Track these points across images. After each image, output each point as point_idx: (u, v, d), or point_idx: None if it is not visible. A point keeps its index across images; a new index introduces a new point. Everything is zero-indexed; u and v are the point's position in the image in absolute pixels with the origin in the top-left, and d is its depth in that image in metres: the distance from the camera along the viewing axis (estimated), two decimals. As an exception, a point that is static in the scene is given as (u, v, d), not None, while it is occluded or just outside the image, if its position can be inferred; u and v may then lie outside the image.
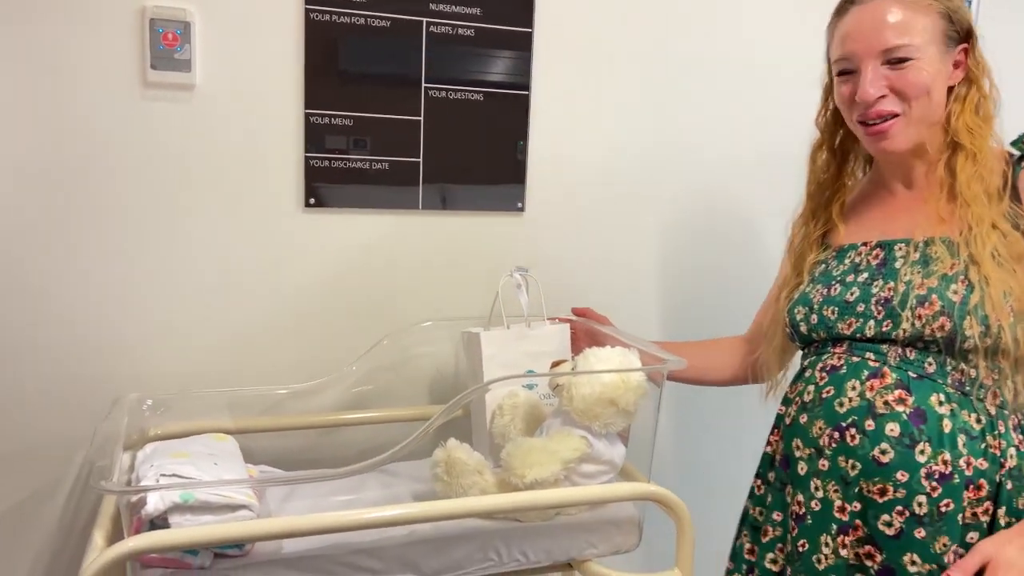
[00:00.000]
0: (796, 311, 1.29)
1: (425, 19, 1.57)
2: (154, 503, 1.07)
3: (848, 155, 1.36)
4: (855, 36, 1.20)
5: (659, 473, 1.38)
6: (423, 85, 1.60)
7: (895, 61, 1.18)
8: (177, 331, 1.50)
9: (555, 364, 1.35)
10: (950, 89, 1.21)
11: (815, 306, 1.27)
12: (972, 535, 1.14)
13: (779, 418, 1.34)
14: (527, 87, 1.67)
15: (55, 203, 1.40)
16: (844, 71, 1.24)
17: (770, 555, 1.32)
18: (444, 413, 1.20)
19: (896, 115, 1.19)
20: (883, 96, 1.19)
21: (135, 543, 1.03)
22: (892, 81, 1.18)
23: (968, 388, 1.15)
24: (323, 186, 1.56)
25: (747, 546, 1.36)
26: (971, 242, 1.14)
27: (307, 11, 1.49)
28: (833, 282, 1.27)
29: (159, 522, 1.09)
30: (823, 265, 1.31)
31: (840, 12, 1.25)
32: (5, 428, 1.42)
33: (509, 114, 1.67)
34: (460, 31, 1.61)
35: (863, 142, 1.27)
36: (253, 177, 1.51)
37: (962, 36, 1.20)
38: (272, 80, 1.50)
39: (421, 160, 1.62)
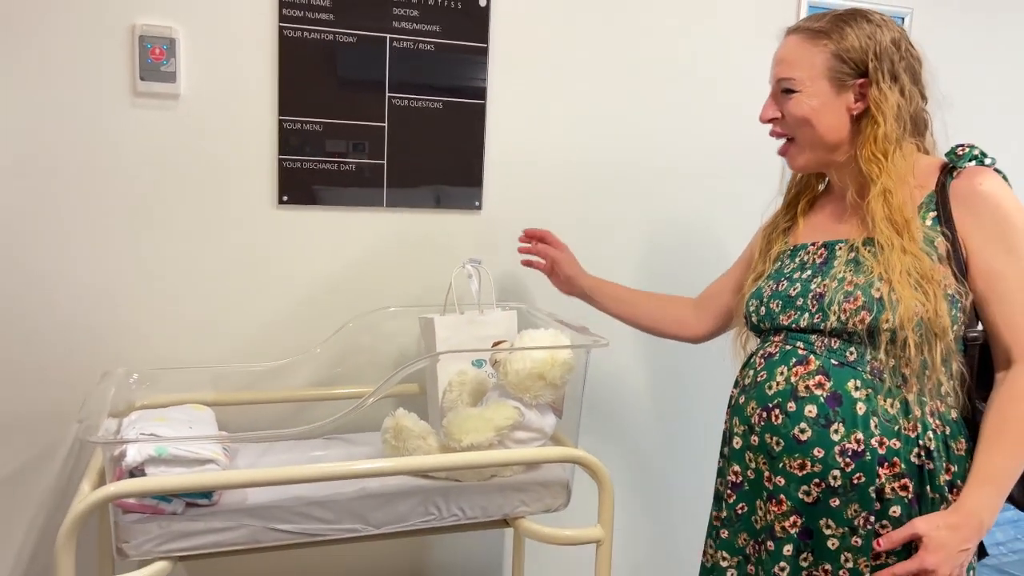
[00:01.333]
0: (750, 304, 1.40)
1: (389, 35, 1.75)
2: (132, 455, 1.24)
3: None
4: (773, 63, 1.35)
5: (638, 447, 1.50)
6: (387, 94, 1.77)
7: (785, 91, 1.31)
8: (162, 315, 1.67)
9: (496, 344, 1.51)
10: (860, 117, 1.29)
11: (764, 299, 1.36)
12: (895, 509, 1.23)
13: (730, 399, 1.45)
14: (483, 96, 1.84)
15: (52, 201, 1.57)
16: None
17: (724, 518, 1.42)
18: (388, 382, 1.37)
19: (790, 138, 1.34)
20: (775, 118, 1.34)
21: (115, 488, 1.20)
22: (781, 106, 1.33)
23: (885, 376, 1.23)
24: (295, 185, 1.73)
25: (714, 513, 1.46)
26: (884, 262, 1.23)
27: (281, 28, 1.67)
28: (782, 278, 1.36)
29: (138, 472, 1.26)
30: (779, 262, 1.41)
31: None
32: (4, 400, 1.59)
33: (467, 120, 1.84)
34: (421, 46, 1.78)
35: None
36: (231, 177, 1.68)
37: (861, 71, 1.27)
38: (249, 90, 1.67)
39: (385, 162, 1.79)
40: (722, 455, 1.45)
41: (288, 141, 1.71)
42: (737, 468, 1.37)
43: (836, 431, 1.23)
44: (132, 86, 1.59)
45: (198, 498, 1.29)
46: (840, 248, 1.31)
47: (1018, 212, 1.22)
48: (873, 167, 1.26)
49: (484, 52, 1.82)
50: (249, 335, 1.73)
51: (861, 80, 1.28)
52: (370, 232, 1.80)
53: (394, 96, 1.77)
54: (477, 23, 1.81)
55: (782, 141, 1.37)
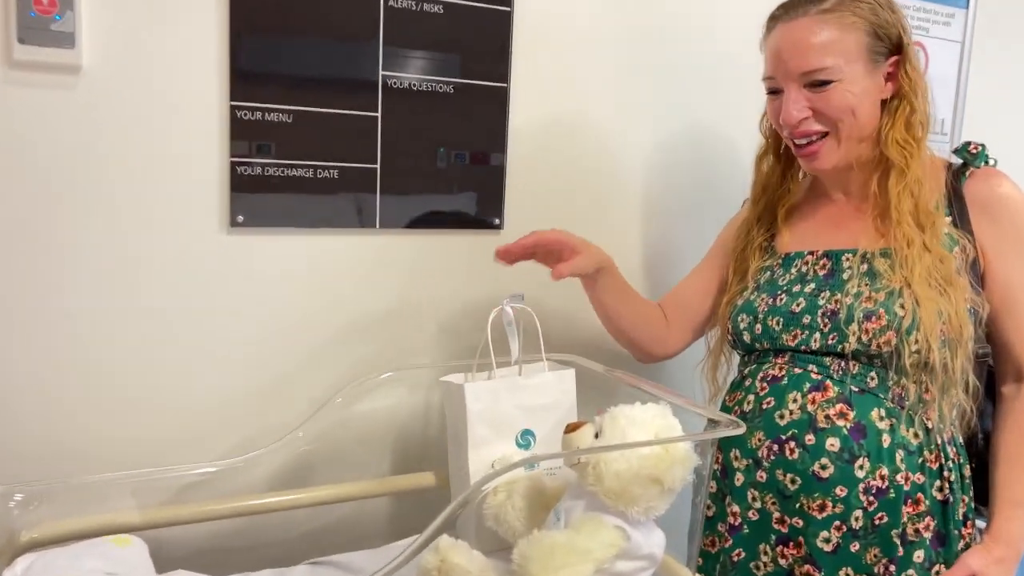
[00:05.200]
0: (740, 319, 1.28)
1: (383, -11, 1.26)
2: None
3: (793, 160, 1.31)
4: (778, 56, 1.19)
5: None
6: (380, 73, 1.28)
7: (816, 84, 1.16)
8: (60, 390, 1.14)
9: (571, 427, 1.05)
10: (885, 102, 1.20)
11: (760, 315, 1.25)
12: (918, 553, 1.16)
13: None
14: (506, 76, 1.37)
15: None
16: (771, 90, 1.23)
17: (718, 567, 1.28)
18: (428, 536, 0.87)
19: (824, 134, 1.19)
20: (806, 118, 1.18)
21: None
22: (814, 103, 1.17)
23: (907, 403, 1.16)
24: (254, 200, 1.22)
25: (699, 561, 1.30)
26: (903, 264, 1.15)
27: (232, -26, 1.16)
28: (779, 291, 1.26)
29: None
30: (768, 272, 1.30)
31: (768, 28, 1.23)
32: None
33: (485, 109, 1.36)
34: (426, 6, 1.29)
35: (798, 158, 1.26)
36: (162, 189, 1.17)
37: (892, 49, 1.18)
38: (186, 61, 1.15)
39: (379, 167, 1.30)
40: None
41: (243, 137, 1.20)
42: (736, 508, 1.25)
43: (861, 467, 1.16)
44: (6, 53, 1.05)
45: None
46: (848, 259, 1.22)
47: None
48: (904, 154, 1.17)
49: (507, 18, 1.35)
50: (191, 419, 1.21)
51: (894, 58, 1.18)
52: (358, 263, 1.31)
53: (390, 75, 1.28)
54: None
55: (803, 142, 1.20)
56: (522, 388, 1.22)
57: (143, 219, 1.16)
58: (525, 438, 1.23)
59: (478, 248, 1.38)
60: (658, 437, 1.00)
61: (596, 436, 1.01)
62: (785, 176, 1.34)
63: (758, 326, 1.26)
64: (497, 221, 1.41)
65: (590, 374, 1.27)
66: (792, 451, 1.19)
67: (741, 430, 1.02)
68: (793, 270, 1.27)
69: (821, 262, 1.25)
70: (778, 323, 1.24)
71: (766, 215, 1.34)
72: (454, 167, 1.36)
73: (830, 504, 1.16)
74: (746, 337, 1.28)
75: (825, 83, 1.16)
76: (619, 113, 1.50)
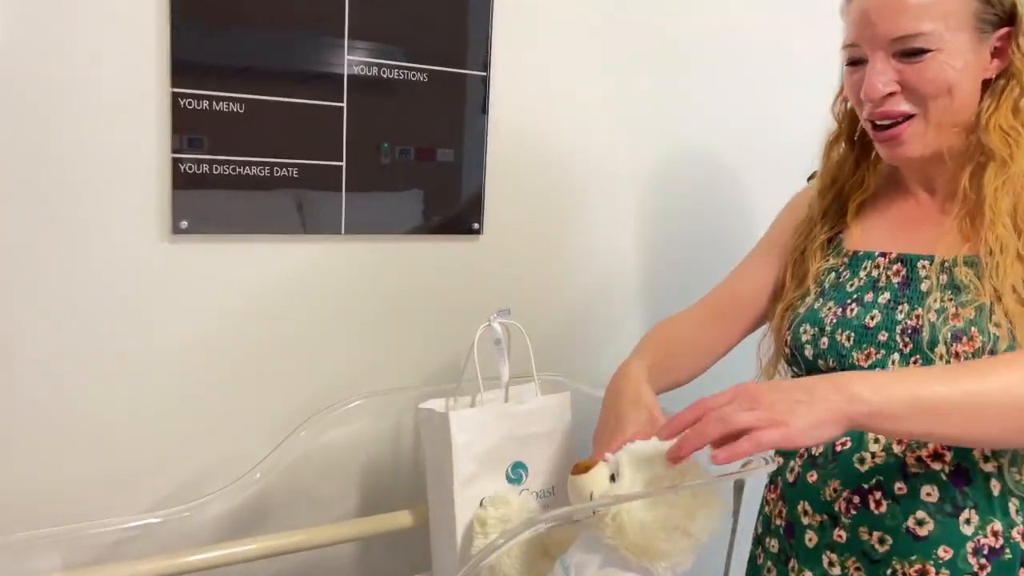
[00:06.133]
0: (802, 331, 1.08)
1: (347, -38, 1.10)
2: None
3: (869, 148, 1.14)
4: (864, 20, 1.00)
5: None
6: (345, 57, 1.12)
7: (909, 53, 0.98)
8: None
9: (581, 468, 0.90)
10: (986, 83, 1.01)
11: (826, 328, 1.06)
12: None
13: (777, 469, 1.09)
14: (486, 63, 1.23)
15: None
16: (853, 60, 1.04)
17: None
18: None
19: (910, 116, 1.00)
20: (892, 94, 1.00)
21: None
22: (905, 76, 0.99)
23: None
24: (200, 202, 1.05)
25: None
26: (993, 273, 0.96)
27: (172, -63, 0.99)
28: (848, 300, 1.07)
29: None
30: (833, 274, 1.11)
31: None
32: None
33: (461, 100, 1.22)
34: (397, -18, 1.14)
35: (875, 145, 1.08)
36: (89, 189, 0.99)
37: (1003, 19, 0.99)
38: (118, 40, 0.98)
39: (344, 164, 1.14)
40: (765, 549, 1.11)
41: (187, 130, 1.03)
42: (809, 575, 1.03)
43: (968, 520, 0.95)
44: None
45: None
46: (924, 266, 1.03)
47: None
48: (1008, 144, 0.98)
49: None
50: (126, 460, 1.03)
51: (1005, 30, 0.99)
52: (321, 275, 1.15)
53: (356, 61, 1.13)
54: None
55: (886, 123, 1.02)
56: (512, 416, 1.08)
57: (66, 224, 0.98)
58: (516, 472, 1.09)
59: (456, 256, 1.24)
60: (682, 477, 0.87)
61: (612, 479, 0.87)
62: (859, 166, 1.16)
63: (824, 339, 1.07)
64: (476, 226, 1.26)
65: (587, 398, 1.13)
66: (879, 504, 0.99)
67: (772, 466, 0.89)
68: (863, 273, 1.09)
69: (895, 267, 1.07)
70: (848, 338, 1.05)
71: (833, 209, 1.16)
72: (422, 165, 1.21)
73: (932, 570, 0.97)
74: (808, 352, 1.09)
75: (920, 52, 0.98)
76: (609, 109, 1.37)
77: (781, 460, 0.94)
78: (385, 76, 1.15)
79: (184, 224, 1.04)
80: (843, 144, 1.16)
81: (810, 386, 0.83)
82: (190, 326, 1.07)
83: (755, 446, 0.79)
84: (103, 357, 1.02)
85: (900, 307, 1.03)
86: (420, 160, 1.20)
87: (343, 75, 1.12)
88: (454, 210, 1.24)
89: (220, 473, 1.06)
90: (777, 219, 1.24)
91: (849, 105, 1.13)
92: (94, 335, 1.01)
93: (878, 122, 1.02)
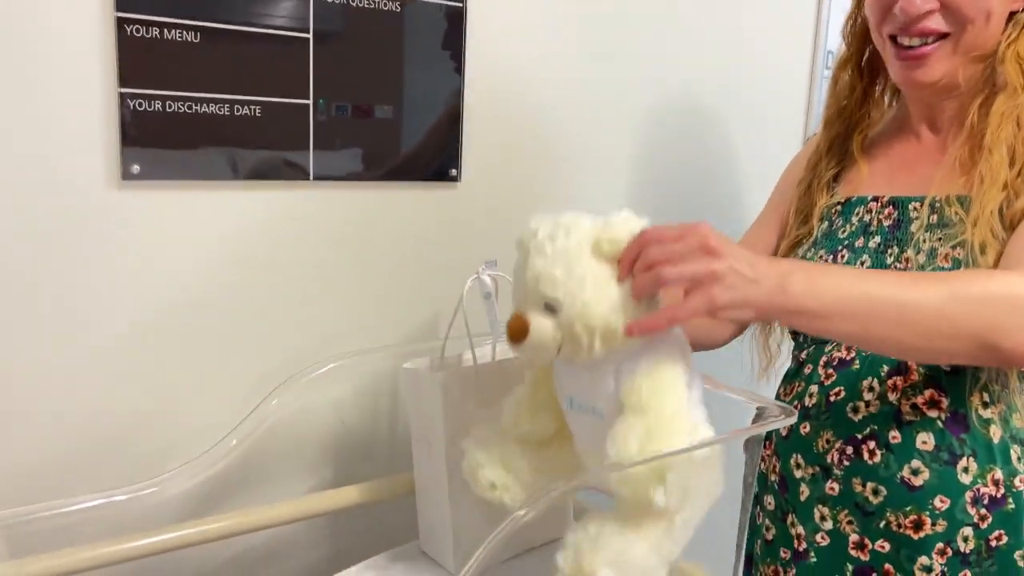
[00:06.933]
0: None
1: None
2: None
3: (877, 76, 1.10)
4: None
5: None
6: (311, -18, 1.01)
7: None
8: None
9: (515, 329, 0.77)
10: (1012, 15, 0.97)
11: None
12: None
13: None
14: (463, -5, 1.13)
15: None
16: None
17: None
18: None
19: (943, 36, 0.96)
20: (932, 11, 0.95)
21: None
22: None
23: (1011, 380, 0.94)
24: (153, 144, 0.94)
25: None
26: (977, 202, 0.92)
27: None
28: (840, 247, 1.05)
29: None
30: (826, 223, 1.09)
31: None
32: None
33: (436, 33, 1.12)
34: (367, -102, 1.03)
35: (889, 66, 1.02)
36: (26, 131, 0.87)
37: None
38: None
39: (311, 103, 1.04)
40: (763, 508, 1.09)
41: (136, 62, 0.91)
42: (802, 530, 1.02)
43: (966, 469, 0.93)
44: None
45: None
46: (914, 208, 1.00)
47: None
48: (1022, 74, 0.94)
49: (465, -80, 1.11)
50: (79, 435, 0.93)
51: None
52: (287, 225, 1.05)
53: (323, -14, 1.02)
54: None
55: (915, 43, 0.97)
56: (505, 373, 1.01)
57: (7, 174, 0.86)
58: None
59: (433, 204, 1.15)
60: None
61: (553, 312, 0.76)
62: (867, 97, 1.12)
63: None
64: (454, 172, 1.17)
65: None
66: (873, 454, 0.97)
67: (793, 416, 0.84)
68: (854, 219, 1.06)
69: (886, 211, 1.04)
70: None
71: (839, 144, 1.12)
72: (396, 107, 1.11)
73: (928, 520, 0.94)
74: None
75: None
76: (596, 45, 1.28)
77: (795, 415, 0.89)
78: (355, 5, 1.05)
79: (136, 169, 0.93)
80: (850, 70, 1.11)
81: (755, 262, 0.77)
82: (143, 285, 0.96)
83: (709, 302, 0.74)
84: (45, 320, 0.91)
85: (890, 250, 1.00)
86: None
87: (309, 1, 1.01)
88: (433, 156, 1.15)
89: (183, 447, 0.96)
90: (780, 181, 1.20)
91: (859, 25, 1.08)
92: (33, 296, 0.90)
93: (907, 41, 0.97)
